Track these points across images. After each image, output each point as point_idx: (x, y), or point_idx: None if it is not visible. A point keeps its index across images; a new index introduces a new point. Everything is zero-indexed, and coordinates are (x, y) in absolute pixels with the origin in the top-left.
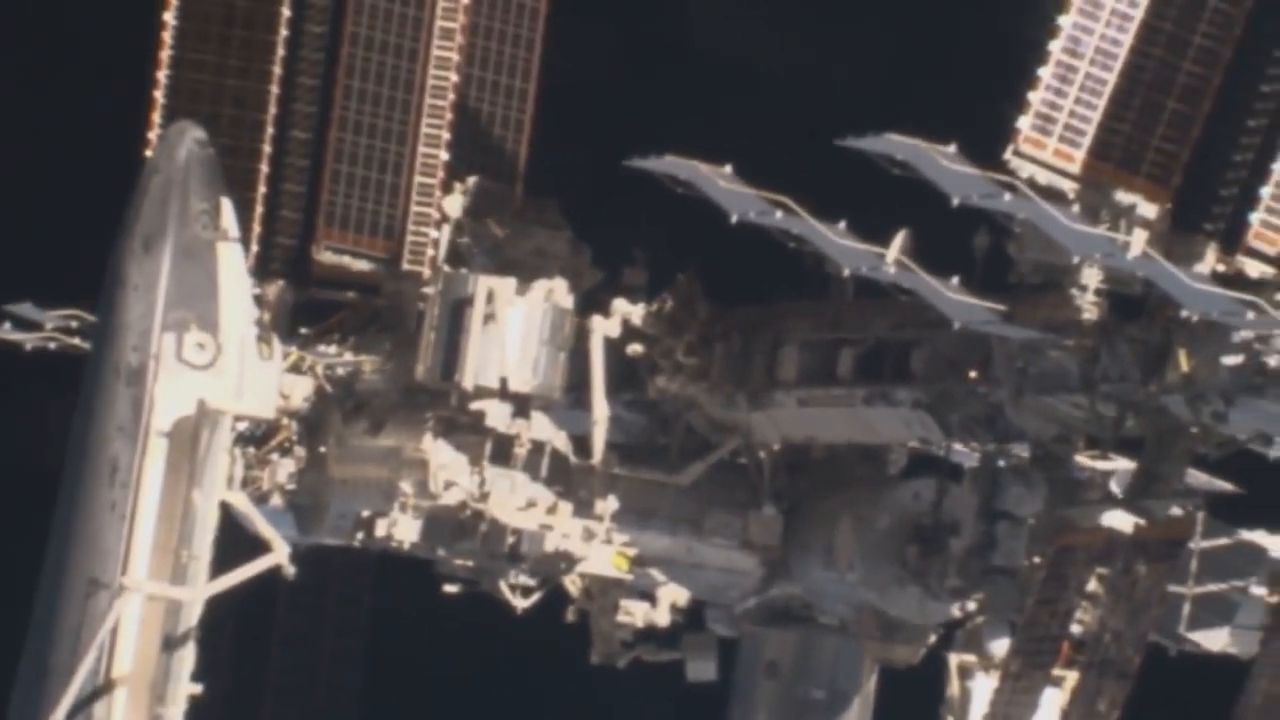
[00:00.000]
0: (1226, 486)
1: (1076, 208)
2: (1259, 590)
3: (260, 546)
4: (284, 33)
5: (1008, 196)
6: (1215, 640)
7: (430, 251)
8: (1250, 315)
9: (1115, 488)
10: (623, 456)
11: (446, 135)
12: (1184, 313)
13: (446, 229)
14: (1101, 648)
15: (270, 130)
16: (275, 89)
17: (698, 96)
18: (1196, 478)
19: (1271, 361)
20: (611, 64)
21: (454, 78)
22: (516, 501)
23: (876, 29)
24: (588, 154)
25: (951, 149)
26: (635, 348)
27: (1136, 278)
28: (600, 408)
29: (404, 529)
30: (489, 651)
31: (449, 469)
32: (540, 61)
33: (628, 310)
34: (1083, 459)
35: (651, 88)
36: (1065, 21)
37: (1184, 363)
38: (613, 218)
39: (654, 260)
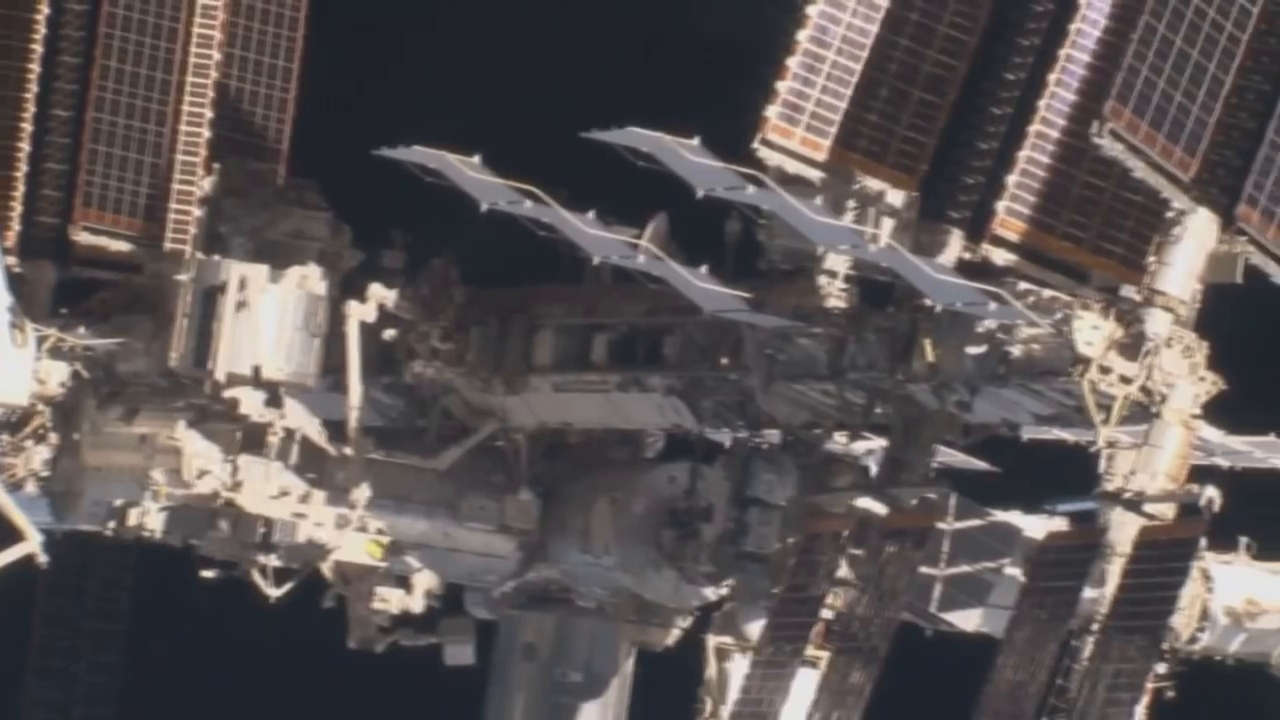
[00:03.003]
0: (982, 466)
1: (820, 199)
2: (1013, 570)
3: (15, 534)
4: (45, 10)
5: (751, 189)
6: (969, 620)
7: (193, 230)
8: (993, 306)
9: (874, 466)
10: (380, 441)
11: (209, 113)
12: (929, 303)
13: (203, 210)
14: (851, 631)
15: (32, 109)
16: (36, 67)
17: (459, 85)
18: (953, 457)
19: (1015, 352)
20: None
21: (216, 56)
22: (269, 490)
23: (626, 21)
24: (351, 134)
25: (695, 142)
26: (390, 332)
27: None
28: (356, 393)
29: (155, 519)
30: (250, 634)
31: (202, 457)
32: (304, 40)
33: (384, 295)
34: (840, 438)
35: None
36: (813, 11)
37: (929, 352)
38: (374, 199)
39: (413, 243)
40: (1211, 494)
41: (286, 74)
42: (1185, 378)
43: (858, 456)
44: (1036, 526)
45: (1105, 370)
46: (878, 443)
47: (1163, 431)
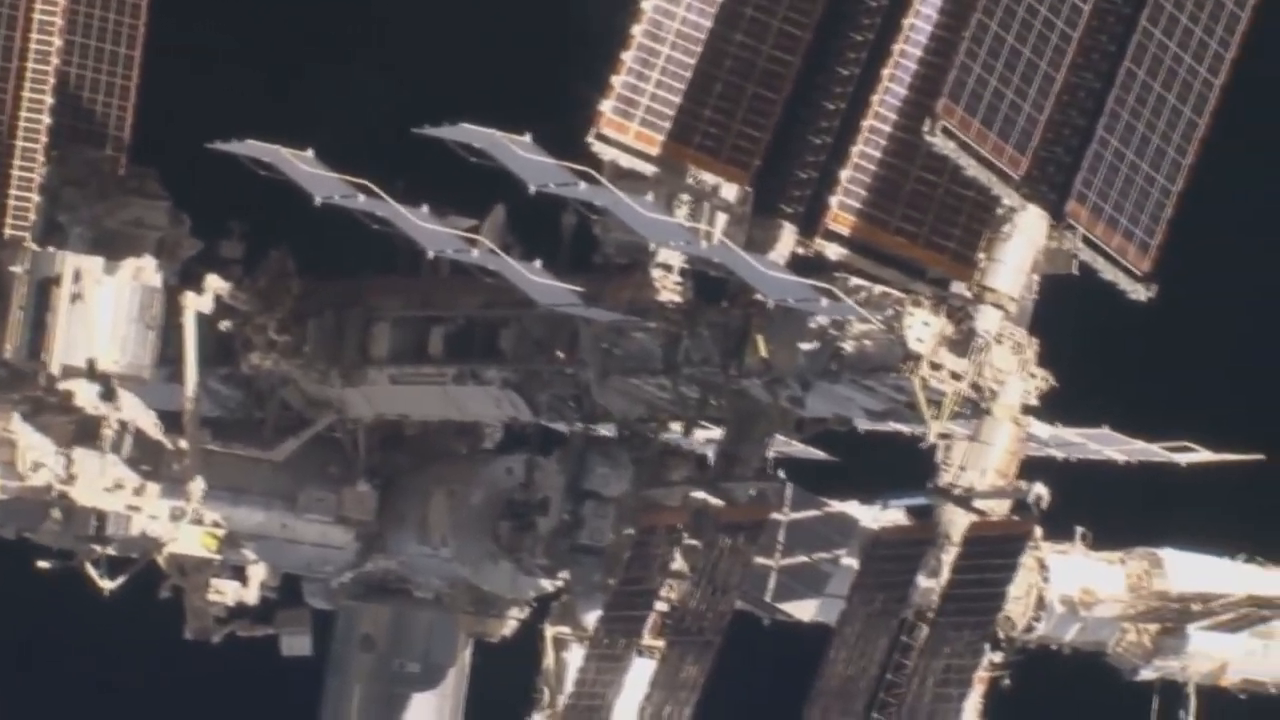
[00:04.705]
0: (821, 456)
1: (653, 194)
2: (850, 561)
3: None
4: None
5: (583, 185)
6: (805, 610)
7: (33, 218)
8: (825, 302)
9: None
10: (217, 432)
11: (49, 100)
12: (762, 298)
13: (42, 198)
14: (685, 624)
15: None
16: None
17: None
18: (792, 447)
19: (847, 347)
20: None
21: (56, 42)
22: (104, 483)
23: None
24: (191, 123)
25: (526, 138)
26: (227, 324)
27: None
28: (192, 384)
29: None
30: (86, 624)
31: (36, 450)
32: (146, 28)
33: (220, 286)
34: (676, 428)
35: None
36: (647, 5)
37: (762, 347)
38: (213, 189)
39: (251, 234)
40: (1040, 491)
41: (128, 61)
42: (1015, 374)
43: (694, 449)
44: (874, 517)
45: (936, 367)
46: (718, 433)
47: (993, 428)
